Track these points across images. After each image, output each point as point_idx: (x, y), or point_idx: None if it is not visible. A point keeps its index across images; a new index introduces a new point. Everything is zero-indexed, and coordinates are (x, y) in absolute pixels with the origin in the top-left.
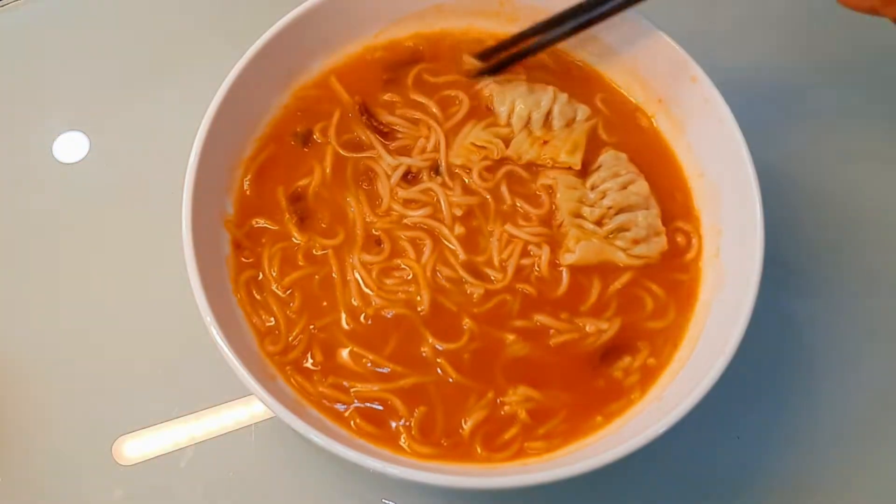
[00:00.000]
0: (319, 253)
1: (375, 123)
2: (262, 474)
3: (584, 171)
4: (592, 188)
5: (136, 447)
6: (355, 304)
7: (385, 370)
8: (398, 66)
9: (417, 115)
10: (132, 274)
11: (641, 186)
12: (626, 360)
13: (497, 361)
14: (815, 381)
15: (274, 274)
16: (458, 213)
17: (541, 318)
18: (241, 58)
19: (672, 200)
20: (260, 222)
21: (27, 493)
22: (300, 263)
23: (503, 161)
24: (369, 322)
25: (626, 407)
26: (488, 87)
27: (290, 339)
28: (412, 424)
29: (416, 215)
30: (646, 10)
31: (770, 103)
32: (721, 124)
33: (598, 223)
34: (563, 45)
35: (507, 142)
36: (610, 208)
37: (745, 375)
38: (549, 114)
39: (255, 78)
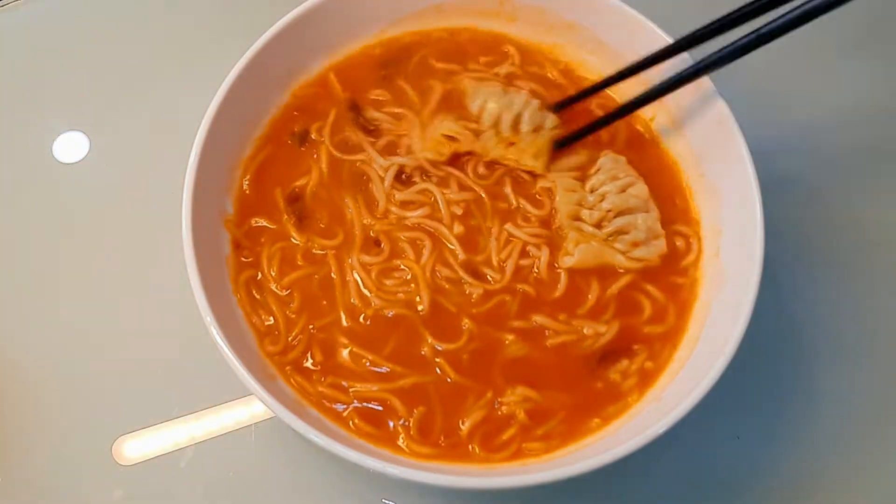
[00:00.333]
0: (318, 253)
1: (362, 121)
2: (262, 474)
3: (583, 174)
4: (591, 191)
5: (136, 447)
6: (355, 304)
7: (384, 370)
8: (395, 61)
9: (399, 110)
10: (132, 274)
11: (640, 189)
12: (624, 363)
13: (496, 362)
14: (815, 381)
15: (273, 274)
16: (458, 211)
17: (539, 319)
18: (241, 58)
19: (671, 203)
20: (259, 222)
21: (27, 493)
22: (299, 263)
23: (494, 162)
24: (368, 322)
25: (623, 409)
26: (463, 82)
27: (290, 339)
28: (411, 424)
29: (414, 216)
30: (647, 11)
31: (770, 103)
32: (721, 124)
33: (598, 226)
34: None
35: (476, 135)
36: (609, 211)
37: (745, 376)
38: (518, 117)
39: (255, 78)
